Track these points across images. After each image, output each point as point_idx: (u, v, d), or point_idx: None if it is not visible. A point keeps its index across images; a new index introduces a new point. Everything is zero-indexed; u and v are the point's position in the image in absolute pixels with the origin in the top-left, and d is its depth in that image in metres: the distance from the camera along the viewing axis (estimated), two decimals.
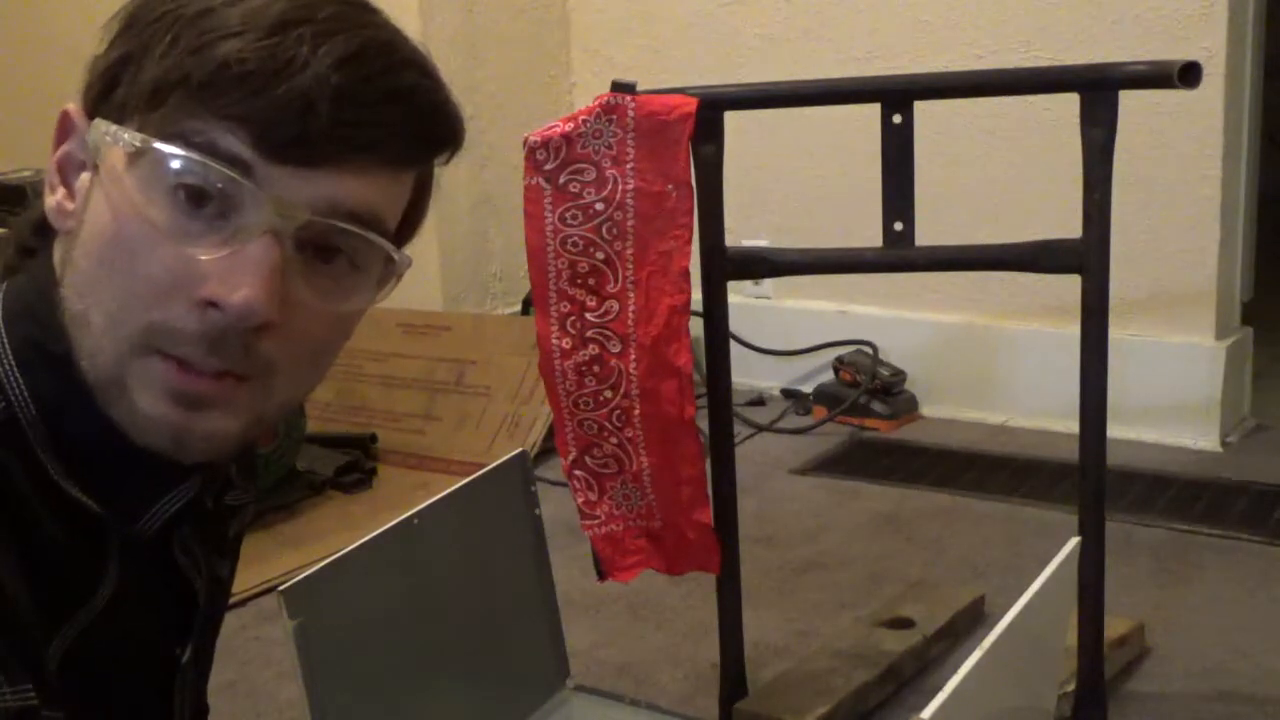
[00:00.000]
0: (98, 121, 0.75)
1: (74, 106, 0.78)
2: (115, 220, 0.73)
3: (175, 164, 0.72)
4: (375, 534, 1.27)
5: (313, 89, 0.71)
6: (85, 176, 0.77)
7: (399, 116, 0.75)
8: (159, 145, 0.72)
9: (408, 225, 0.82)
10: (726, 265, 1.58)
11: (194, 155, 0.72)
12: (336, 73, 0.72)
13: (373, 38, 0.74)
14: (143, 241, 0.73)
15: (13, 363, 0.76)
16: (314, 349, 0.79)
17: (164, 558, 0.84)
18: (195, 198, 0.73)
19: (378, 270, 0.79)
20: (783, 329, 3.04)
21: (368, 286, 0.79)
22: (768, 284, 3.06)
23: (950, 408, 2.87)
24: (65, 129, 0.79)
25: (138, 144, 0.73)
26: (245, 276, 0.72)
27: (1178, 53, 2.41)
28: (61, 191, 0.78)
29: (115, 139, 0.73)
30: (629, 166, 1.45)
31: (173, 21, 0.73)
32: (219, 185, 0.72)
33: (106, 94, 0.76)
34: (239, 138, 0.72)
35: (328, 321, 0.78)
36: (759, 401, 3.00)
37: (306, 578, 1.19)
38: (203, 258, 0.72)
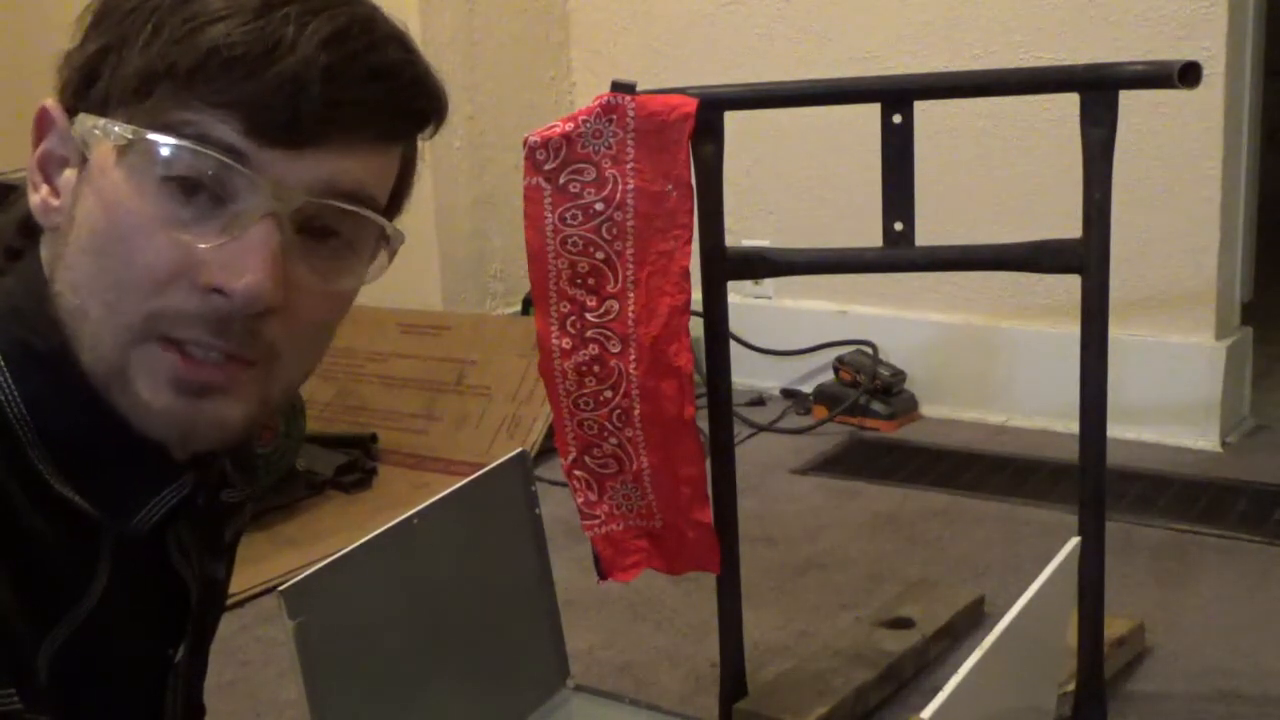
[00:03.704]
0: (83, 116, 0.75)
1: (52, 102, 0.78)
2: (108, 213, 0.73)
3: (170, 154, 0.72)
4: (375, 534, 1.27)
5: (303, 70, 0.71)
6: (70, 172, 0.76)
7: (386, 93, 0.76)
8: (152, 136, 0.72)
9: (396, 199, 0.83)
10: (726, 265, 1.58)
11: (187, 144, 0.72)
12: (324, 52, 0.72)
13: (355, 15, 0.75)
14: (139, 232, 0.73)
15: (1, 363, 0.75)
16: (315, 330, 0.79)
17: (158, 557, 0.84)
18: (190, 186, 0.73)
19: (371, 246, 0.79)
20: (783, 329, 3.04)
21: (364, 264, 0.79)
22: (768, 284, 3.06)
23: (950, 408, 2.87)
24: (44, 126, 0.78)
25: (130, 136, 0.72)
26: (249, 262, 0.72)
27: (1178, 53, 2.41)
28: (45, 189, 0.78)
29: (106, 133, 0.73)
30: (629, 166, 1.45)
31: (152, 10, 0.73)
32: (214, 173, 0.72)
33: (86, 88, 0.75)
34: (231, 125, 0.72)
35: (327, 301, 0.78)
36: (759, 401, 3.00)
37: (306, 578, 1.19)
38: (202, 246, 0.72)
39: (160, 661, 0.86)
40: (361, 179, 0.76)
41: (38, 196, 0.78)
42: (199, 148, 0.72)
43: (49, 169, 0.78)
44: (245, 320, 0.73)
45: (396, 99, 0.77)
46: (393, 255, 0.81)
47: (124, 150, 0.73)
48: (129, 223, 0.73)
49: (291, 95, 0.71)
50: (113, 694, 0.82)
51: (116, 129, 0.73)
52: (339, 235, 0.77)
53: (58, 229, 0.77)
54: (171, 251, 0.72)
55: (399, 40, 0.77)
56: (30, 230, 0.79)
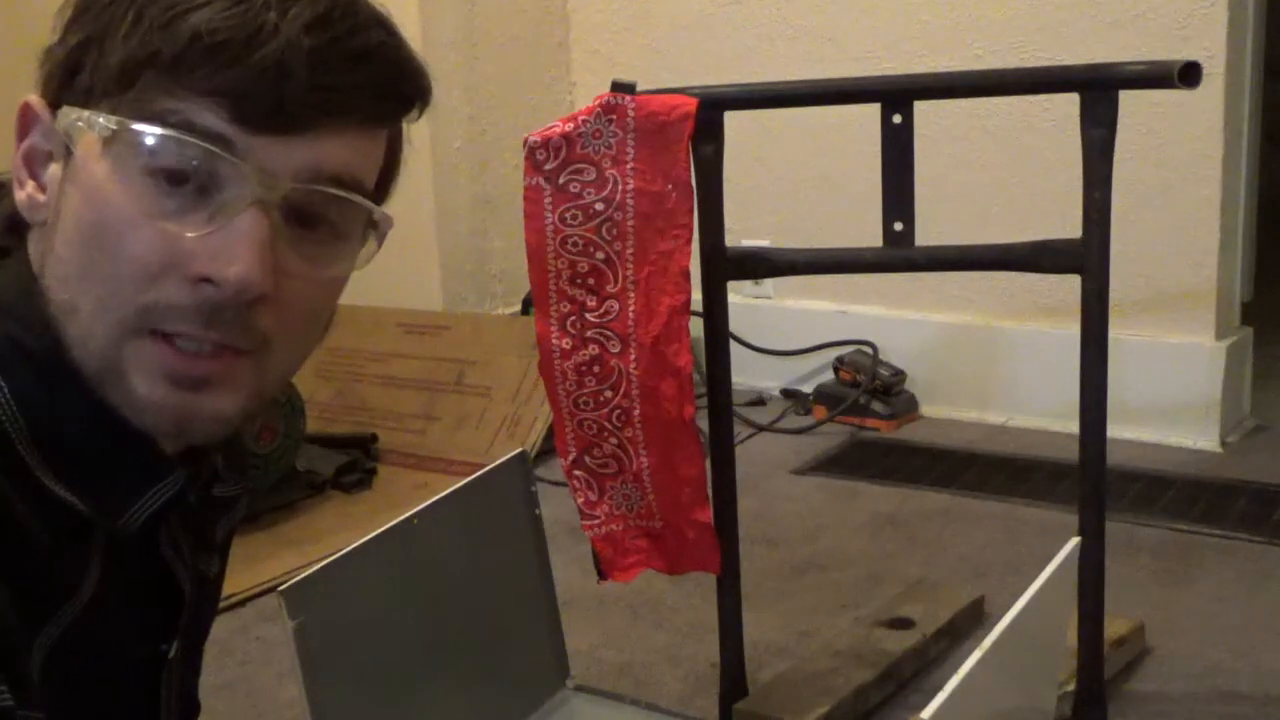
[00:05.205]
0: (66, 109, 0.75)
1: (34, 98, 0.78)
2: (94, 206, 0.73)
3: (155, 143, 0.72)
4: (375, 534, 1.27)
5: (287, 55, 0.71)
6: (55, 167, 0.76)
7: (371, 77, 0.75)
8: (136, 126, 0.72)
9: (384, 184, 0.83)
10: (726, 265, 1.58)
11: (173, 133, 0.71)
12: (307, 36, 0.72)
13: None
14: (126, 224, 0.72)
15: None
16: (306, 318, 0.79)
17: (150, 554, 0.84)
18: (176, 176, 0.72)
19: (360, 232, 0.79)
20: (783, 329, 3.04)
21: (353, 250, 0.79)
22: (768, 284, 3.06)
23: (950, 408, 2.87)
24: (27, 121, 0.78)
25: (114, 127, 0.72)
26: (238, 251, 0.72)
27: (1178, 53, 2.41)
28: (31, 185, 0.78)
29: (90, 124, 0.73)
30: (629, 166, 1.45)
31: (133, 0, 0.73)
32: (200, 162, 0.72)
33: (69, 81, 0.75)
34: (216, 113, 0.72)
35: (317, 288, 0.78)
36: (759, 401, 3.00)
37: (306, 578, 1.19)
38: (190, 235, 0.72)
39: (154, 658, 0.86)
40: (348, 164, 0.76)
41: (23, 193, 0.78)
42: (184, 136, 0.71)
43: (33, 165, 0.78)
44: (236, 310, 0.73)
45: (381, 82, 0.76)
46: (382, 240, 0.81)
47: (109, 141, 0.73)
48: (115, 215, 0.72)
49: (276, 81, 0.71)
50: (106, 690, 0.82)
51: (100, 120, 0.73)
52: (327, 222, 0.77)
53: (45, 224, 0.77)
54: (159, 242, 0.72)
55: (381, 23, 0.77)
56: (17, 228, 0.79)
